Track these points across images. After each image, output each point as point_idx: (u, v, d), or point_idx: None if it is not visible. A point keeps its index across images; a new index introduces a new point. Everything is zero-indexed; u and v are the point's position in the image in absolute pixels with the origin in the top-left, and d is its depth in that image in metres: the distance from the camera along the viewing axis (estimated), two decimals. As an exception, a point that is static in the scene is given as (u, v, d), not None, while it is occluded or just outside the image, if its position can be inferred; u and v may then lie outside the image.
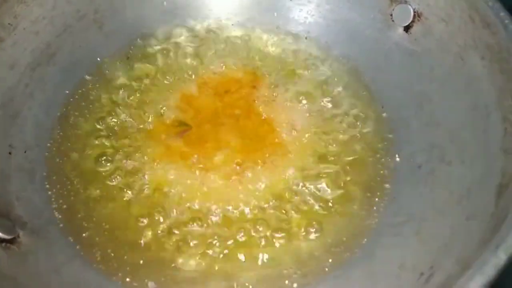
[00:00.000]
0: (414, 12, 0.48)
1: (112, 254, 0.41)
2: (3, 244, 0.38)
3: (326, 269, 0.40)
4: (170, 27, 0.55)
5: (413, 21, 0.49)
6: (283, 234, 0.43)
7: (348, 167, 0.46)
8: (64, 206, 0.44)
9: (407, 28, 0.49)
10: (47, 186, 0.45)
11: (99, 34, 0.53)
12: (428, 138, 0.45)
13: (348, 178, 0.46)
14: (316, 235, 0.42)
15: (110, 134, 0.48)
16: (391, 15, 0.50)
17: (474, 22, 0.43)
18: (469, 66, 0.43)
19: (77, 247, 0.42)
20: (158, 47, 0.54)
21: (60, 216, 0.43)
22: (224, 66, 0.53)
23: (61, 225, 0.43)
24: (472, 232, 0.36)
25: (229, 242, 0.42)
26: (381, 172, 0.46)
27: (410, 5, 0.48)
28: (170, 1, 0.55)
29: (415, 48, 0.49)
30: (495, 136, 0.38)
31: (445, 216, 0.39)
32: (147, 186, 0.45)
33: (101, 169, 0.46)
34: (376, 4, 0.51)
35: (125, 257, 0.41)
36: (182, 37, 0.55)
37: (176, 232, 0.43)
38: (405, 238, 0.40)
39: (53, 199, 0.44)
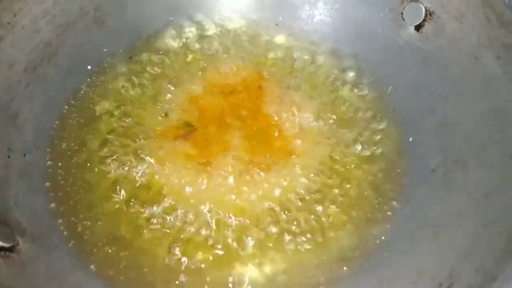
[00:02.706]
0: (426, 10, 0.47)
1: (114, 261, 0.40)
2: (2, 253, 0.36)
3: (340, 276, 0.39)
4: (174, 25, 0.53)
5: (424, 20, 0.47)
6: (294, 239, 0.41)
7: (358, 170, 0.45)
8: (65, 212, 0.42)
9: (418, 27, 0.48)
10: (47, 191, 0.43)
11: (101, 32, 0.51)
12: (441, 140, 0.44)
13: (358, 182, 0.44)
14: (328, 241, 0.41)
15: (113, 135, 0.47)
16: (402, 13, 0.49)
17: (489, 20, 0.42)
18: (484, 66, 0.42)
19: (78, 254, 0.40)
20: (161, 46, 0.52)
21: (60, 222, 0.42)
22: (229, 65, 0.51)
23: (63, 232, 0.41)
24: (492, 239, 0.34)
25: (238, 245, 0.41)
26: (392, 175, 0.44)
27: (421, 3, 0.47)
28: (174, -2, 0.54)
29: (426, 47, 0.47)
30: (514, 138, 0.37)
31: (462, 222, 0.38)
32: (152, 188, 0.44)
33: (104, 172, 0.44)
34: (386, 2, 0.50)
35: (128, 264, 0.40)
36: (186, 35, 0.53)
37: (180, 235, 0.41)
38: (421, 244, 0.39)
39: (53, 205, 0.42)
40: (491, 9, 0.41)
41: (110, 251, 0.40)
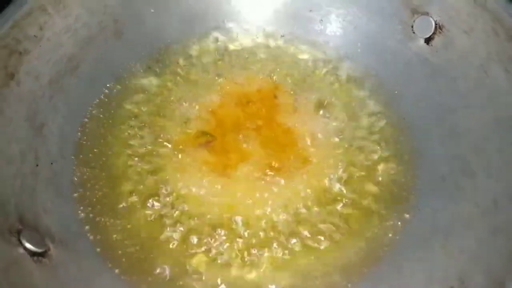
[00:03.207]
0: (436, 24, 0.49)
1: (141, 266, 0.42)
2: (35, 258, 0.38)
3: (353, 282, 0.41)
4: (191, 37, 0.55)
5: (434, 33, 0.49)
6: (308, 245, 0.43)
7: (370, 178, 0.47)
8: (92, 218, 0.44)
9: (428, 40, 0.50)
10: (74, 197, 0.45)
11: (120, 44, 0.53)
12: (450, 150, 0.46)
13: (371, 189, 0.46)
14: (341, 247, 0.43)
15: (134, 144, 0.49)
16: (412, 26, 0.51)
17: (497, 34, 0.43)
18: (492, 79, 0.44)
19: (106, 259, 0.42)
20: (179, 57, 0.54)
21: (88, 228, 0.43)
22: (245, 77, 0.53)
23: (89, 237, 0.43)
24: (500, 245, 0.36)
25: (253, 253, 0.43)
26: (404, 183, 0.46)
27: (431, 17, 0.49)
28: (191, 11, 0.55)
29: (436, 60, 0.49)
30: (521, 149, 0.39)
31: (471, 229, 0.39)
32: (172, 196, 0.46)
33: (127, 180, 0.46)
34: (397, 15, 0.51)
35: (154, 268, 0.42)
36: (203, 47, 0.55)
37: (201, 242, 0.43)
38: (431, 250, 0.40)
39: (80, 211, 0.44)
40: (499, 23, 0.43)
41: (134, 255, 0.42)
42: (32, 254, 0.38)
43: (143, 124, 0.50)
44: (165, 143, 0.49)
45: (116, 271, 0.42)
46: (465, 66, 0.46)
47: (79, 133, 0.49)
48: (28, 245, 0.38)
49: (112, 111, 0.51)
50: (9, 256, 0.37)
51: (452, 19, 0.47)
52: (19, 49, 0.45)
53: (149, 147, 0.48)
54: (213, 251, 0.43)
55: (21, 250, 0.38)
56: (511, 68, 0.42)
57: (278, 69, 0.54)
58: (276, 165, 0.47)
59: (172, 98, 0.52)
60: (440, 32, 0.48)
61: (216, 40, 0.56)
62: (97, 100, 0.51)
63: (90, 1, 0.51)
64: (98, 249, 0.42)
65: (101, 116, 0.50)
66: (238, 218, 0.44)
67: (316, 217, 0.45)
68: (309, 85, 0.53)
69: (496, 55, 0.43)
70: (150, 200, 0.45)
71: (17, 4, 0.44)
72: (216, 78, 0.53)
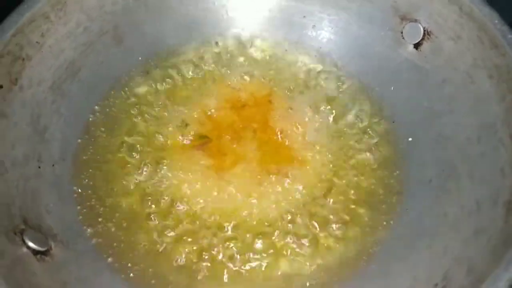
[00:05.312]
0: (424, 30, 0.50)
1: (141, 265, 0.44)
2: (38, 256, 0.40)
3: (342, 282, 0.42)
4: (189, 42, 0.57)
5: (423, 39, 0.51)
6: (298, 246, 0.45)
7: (360, 180, 0.49)
8: (92, 219, 0.46)
9: (417, 46, 0.51)
10: (75, 198, 0.47)
11: (120, 49, 0.55)
12: (437, 153, 0.47)
13: (361, 191, 0.48)
14: (330, 247, 0.45)
15: (134, 146, 0.50)
16: (402, 32, 0.52)
17: (482, 42, 0.45)
18: (477, 85, 0.45)
19: (106, 258, 0.44)
20: (177, 62, 0.56)
21: (87, 228, 0.45)
22: (240, 81, 0.55)
23: (89, 237, 0.45)
24: (482, 246, 0.38)
25: (245, 255, 0.45)
26: (393, 185, 0.48)
27: (420, 23, 0.50)
28: (189, 18, 0.57)
29: (424, 65, 0.51)
30: (503, 154, 0.41)
31: (456, 230, 0.41)
32: (169, 198, 0.47)
33: (125, 182, 0.48)
34: (387, 22, 0.53)
35: (154, 268, 0.44)
36: (200, 52, 0.57)
37: (195, 242, 0.45)
38: (417, 251, 0.42)
39: (81, 211, 0.46)
40: (484, 31, 0.45)
41: (137, 256, 0.44)
42: (35, 252, 0.40)
43: (142, 127, 0.52)
44: (162, 146, 0.50)
45: (118, 271, 0.43)
46: (452, 71, 0.48)
47: (80, 136, 0.50)
48: (31, 244, 0.40)
49: (112, 115, 0.52)
50: (14, 255, 0.39)
51: (439, 26, 0.49)
52: (22, 55, 0.46)
53: (147, 149, 0.50)
54: (205, 251, 0.45)
55: (25, 249, 0.39)
56: (495, 74, 0.44)
57: (272, 74, 0.56)
58: (270, 167, 0.49)
59: (169, 102, 0.53)
60: (428, 38, 0.50)
61: (213, 46, 0.57)
62: (98, 104, 0.53)
63: (90, 7, 0.52)
64: (97, 249, 0.44)
65: (102, 119, 0.52)
66: (232, 219, 0.46)
67: (306, 218, 0.46)
68: (303, 89, 0.55)
69: (481, 61, 0.45)
70: (148, 201, 0.47)
71: (20, 12, 0.46)
72: (213, 83, 0.55)
